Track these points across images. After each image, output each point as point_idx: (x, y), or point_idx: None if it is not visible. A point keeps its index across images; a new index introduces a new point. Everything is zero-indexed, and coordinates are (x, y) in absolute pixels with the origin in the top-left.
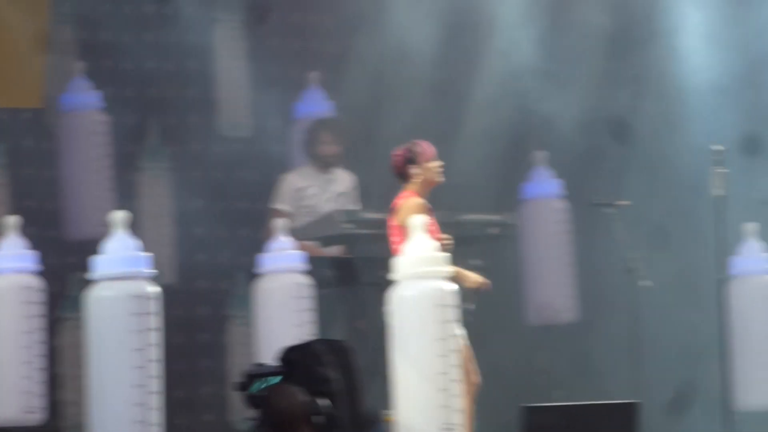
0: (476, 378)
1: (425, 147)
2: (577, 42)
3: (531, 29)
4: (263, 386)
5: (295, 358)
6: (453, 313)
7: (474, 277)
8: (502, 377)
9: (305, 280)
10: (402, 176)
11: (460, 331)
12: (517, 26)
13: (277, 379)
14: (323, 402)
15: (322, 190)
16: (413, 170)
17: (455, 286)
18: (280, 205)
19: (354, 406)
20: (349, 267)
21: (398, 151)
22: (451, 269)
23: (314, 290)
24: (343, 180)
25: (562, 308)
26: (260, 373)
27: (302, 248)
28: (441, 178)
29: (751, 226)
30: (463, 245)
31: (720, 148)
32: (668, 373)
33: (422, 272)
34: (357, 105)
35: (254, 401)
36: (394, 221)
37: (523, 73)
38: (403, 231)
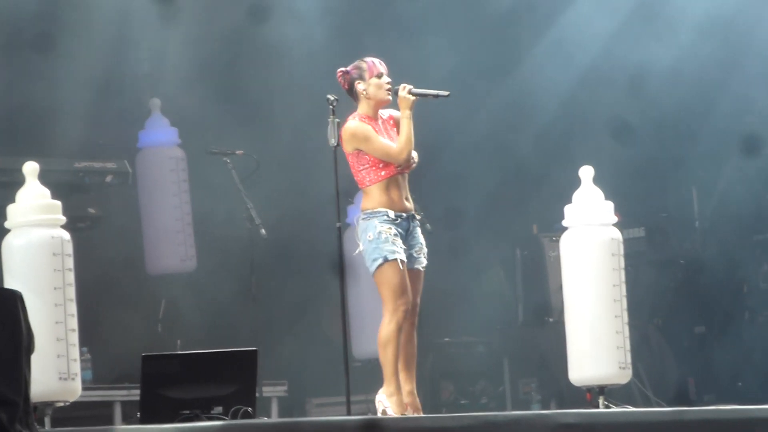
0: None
1: (372, 62)
2: None
3: None
4: None
5: None
6: (70, 262)
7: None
8: (128, 327)
9: None
10: (351, 95)
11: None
12: None
13: None
14: None
15: None
16: (359, 87)
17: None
18: None
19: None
20: None
21: (345, 68)
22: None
23: None
24: None
25: (183, 257)
26: None
27: None
28: (388, 97)
29: None
30: (78, 193)
31: (335, 97)
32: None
33: (36, 220)
34: None
35: None
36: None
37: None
38: (354, 158)
